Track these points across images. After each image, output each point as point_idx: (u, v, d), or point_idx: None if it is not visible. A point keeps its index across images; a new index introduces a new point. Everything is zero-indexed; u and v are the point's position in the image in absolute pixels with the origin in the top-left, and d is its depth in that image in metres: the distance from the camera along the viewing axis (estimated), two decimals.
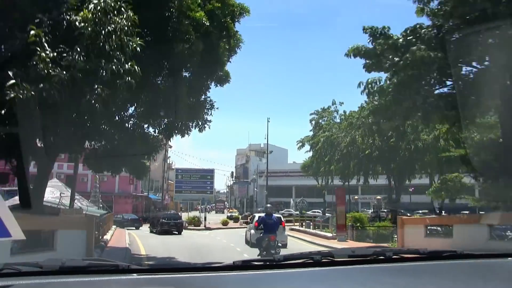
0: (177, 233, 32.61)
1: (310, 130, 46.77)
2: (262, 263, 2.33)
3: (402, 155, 38.34)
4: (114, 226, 33.34)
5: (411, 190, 42.58)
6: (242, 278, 2.12)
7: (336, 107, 45.36)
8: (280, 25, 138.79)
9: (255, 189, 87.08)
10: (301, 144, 45.92)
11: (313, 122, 45.44)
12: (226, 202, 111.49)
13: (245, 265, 2.21)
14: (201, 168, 44.81)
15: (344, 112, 43.07)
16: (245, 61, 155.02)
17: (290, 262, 2.24)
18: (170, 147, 73.73)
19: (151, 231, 34.99)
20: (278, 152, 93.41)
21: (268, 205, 18.58)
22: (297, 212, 68.98)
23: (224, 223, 46.76)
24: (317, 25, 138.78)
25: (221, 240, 27.38)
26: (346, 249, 2.80)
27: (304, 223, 40.30)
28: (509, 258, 2.51)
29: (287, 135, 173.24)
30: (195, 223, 42.57)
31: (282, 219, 22.01)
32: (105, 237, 21.93)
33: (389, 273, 2.21)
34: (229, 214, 66.30)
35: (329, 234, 25.93)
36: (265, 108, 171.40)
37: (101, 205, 35.87)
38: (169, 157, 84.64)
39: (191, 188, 43.18)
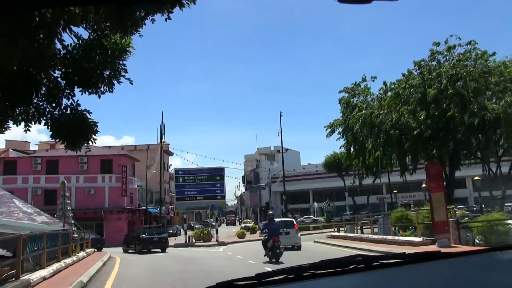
0: (160, 251, 27.20)
1: (340, 113, 37.53)
2: (245, 282, 2.09)
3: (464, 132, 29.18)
4: (91, 250, 24.05)
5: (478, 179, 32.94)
6: None
7: (367, 84, 36.24)
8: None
9: (269, 195, 77.76)
10: (330, 129, 36.49)
11: (343, 102, 36.18)
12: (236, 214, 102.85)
13: (228, 286, 2.06)
14: (207, 167, 35.41)
15: (384, 83, 33.91)
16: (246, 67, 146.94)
17: (272, 279, 2.12)
18: (167, 144, 64.85)
19: (126, 251, 28.68)
20: (290, 154, 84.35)
21: (270, 211, 21.31)
22: (322, 218, 59.90)
23: (240, 235, 37.41)
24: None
25: (237, 257, 19.92)
26: (327, 260, 2.33)
27: (344, 228, 31.03)
28: (490, 252, 2.51)
29: (297, 138, 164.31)
30: (204, 237, 33.21)
31: (295, 222, 23.63)
32: (36, 274, 11.19)
33: (372, 280, 2.17)
34: (243, 225, 57.23)
35: (416, 239, 16.62)
36: (271, 111, 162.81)
37: (72, 222, 26.74)
38: (171, 165, 75.70)
39: (196, 194, 33.76)
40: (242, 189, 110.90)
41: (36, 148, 58.27)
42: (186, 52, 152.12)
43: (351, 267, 2.24)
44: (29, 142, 58.00)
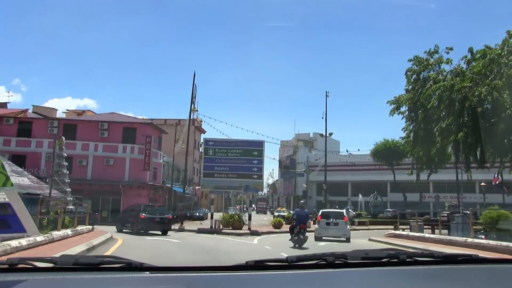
0: (160, 233, 24.19)
1: (405, 88, 30.77)
2: (275, 263, 2.23)
3: None
4: (89, 227, 18.61)
5: None
6: (255, 278, 2.12)
7: (441, 57, 29.30)
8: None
9: (304, 184, 71.42)
10: (395, 105, 29.78)
11: (410, 73, 29.39)
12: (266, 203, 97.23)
13: (257, 265, 2.17)
14: (243, 139, 29.27)
15: (470, 49, 26.88)
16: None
17: (303, 263, 2.22)
18: (200, 121, 59.55)
19: (120, 230, 24.92)
20: (330, 143, 77.57)
21: (301, 201, 26.60)
22: (363, 213, 53.20)
23: (276, 225, 31.44)
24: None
25: (281, 255, 12.79)
26: (360, 251, 2.40)
27: (410, 227, 24.61)
28: None
29: (337, 128, 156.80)
30: (234, 224, 27.41)
31: (345, 213, 22.67)
32: None
33: (403, 276, 2.21)
34: (276, 214, 51.34)
35: None
36: (310, 97, 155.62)
37: (67, 190, 21.48)
38: (202, 143, 70.58)
39: (228, 170, 27.84)
40: (275, 176, 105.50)
41: (64, 116, 53.92)
42: (218, 37, 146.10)
43: (384, 260, 2.29)
44: (56, 109, 53.55)
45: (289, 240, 16.96)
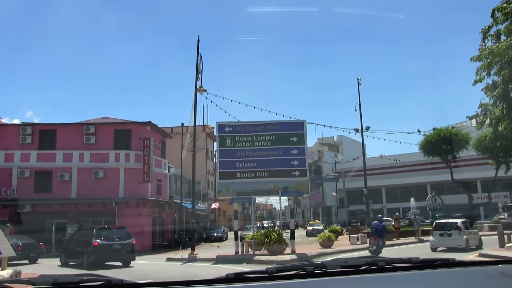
0: (121, 264, 18.81)
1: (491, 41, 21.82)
2: (255, 275, 2.23)
3: None
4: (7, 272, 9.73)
5: None
6: None
7: None
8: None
9: (333, 193, 61.98)
10: (486, 60, 20.64)
11: (503, 13, 20.58)
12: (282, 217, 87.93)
13: (237, 278, 2.18)
14: (275, 121, 19.99)
15: None
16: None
17: (282, 274, 2.22)
18: (211, 127, 51.39)
19: (65, 264, 19.56)
20: (352, 146, 68.67)
21: (379, 215, 25.40)
22: (428, 220, 43.54)
23: (325, 243, 22.42)
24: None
25: None
26: (339, 259, 2.51)
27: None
28: (499, 265, 2.50)
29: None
30: (271, 245, 18.20)
31: (459, 223, 21.34)
32: None
33: (381, 283, 2.22)
34: (310, 228, 42.45)
35: None
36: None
37: None
38: (215, 154, 61.63)
39: (256, 167, 18.88)
40: None
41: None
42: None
43: (362, 268, 2.33)
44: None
45: (367, 249, 18.99)
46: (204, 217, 49.53)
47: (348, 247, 23.14)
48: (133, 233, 28.81)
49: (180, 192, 37.42)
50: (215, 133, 50.01)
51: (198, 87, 22.09)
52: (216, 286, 2.11)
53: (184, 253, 21.71)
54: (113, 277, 2.22)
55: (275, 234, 18.07)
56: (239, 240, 19.24)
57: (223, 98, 30.90)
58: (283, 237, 18.37)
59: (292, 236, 18.62)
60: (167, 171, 36.94)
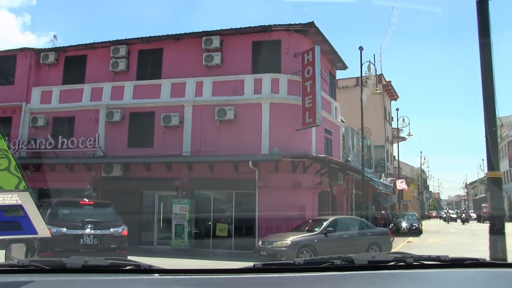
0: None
1: None
2: (282, 266, 2.25)
3: None
4: None
5: None
6: (262, 280, 2.13)
7: None
8: None
9: None
10: None
11: None
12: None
13: (265, 268, 2.20)
14: None
15: None
16: None
17: (310, 266, 2.24)
18: (389, 81, 35.16)
19: (8, 258, 10.23)
20: None
21: None
22: None
23: None
24: None
25: None
26: (367, 254, 2.44)
27: None
28: None
29: None
30: None
31: None
32: None
33: (409, 279, 2.19)
34: None
35: None
36: None
37: None
38: (397, 110, 45.07)
39: None
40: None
41: None
42: None
43: (390, 263, 2.29)
44: None
45: None
46: (386, 198, 33.98)
47: None
48: (281, 219, 15.84)
49: (361, 156, 22.71)
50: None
51: None
52: (243, 276, 2.13)
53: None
54: (142, 262, 2.22)
55: None
56: None
57: None
58: None
59: None
60: (339, 120, 22.47)
